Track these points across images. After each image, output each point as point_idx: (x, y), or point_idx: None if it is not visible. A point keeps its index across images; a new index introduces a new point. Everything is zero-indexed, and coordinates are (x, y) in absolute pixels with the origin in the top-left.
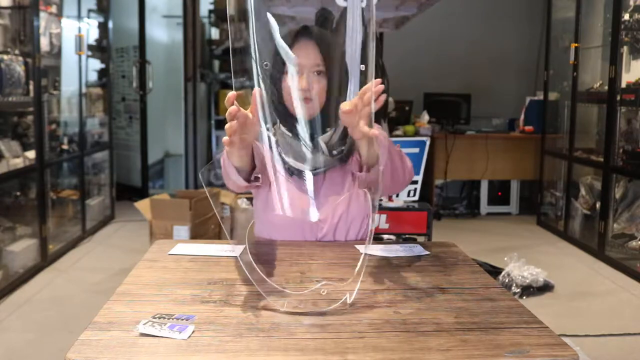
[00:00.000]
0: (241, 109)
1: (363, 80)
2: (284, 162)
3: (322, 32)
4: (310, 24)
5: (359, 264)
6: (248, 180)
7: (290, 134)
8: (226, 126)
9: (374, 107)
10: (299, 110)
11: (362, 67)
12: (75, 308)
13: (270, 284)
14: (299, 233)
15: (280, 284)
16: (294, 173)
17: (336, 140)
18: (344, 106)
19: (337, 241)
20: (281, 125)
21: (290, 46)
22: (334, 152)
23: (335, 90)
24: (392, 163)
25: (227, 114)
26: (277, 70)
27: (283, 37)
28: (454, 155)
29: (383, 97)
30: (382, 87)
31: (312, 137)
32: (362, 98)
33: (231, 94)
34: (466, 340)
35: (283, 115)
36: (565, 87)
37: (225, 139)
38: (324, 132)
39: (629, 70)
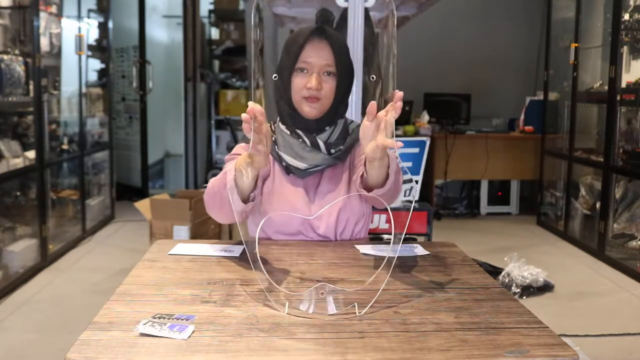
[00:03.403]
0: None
1: (365, 81)
2: (282, 160)
3: (336, 33)
4: (323, 25)
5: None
6: (245, 201)
7: (288, 132)
8: (254, 139)
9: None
10: (306, 109)
11: (373, 77)
12: (75, 308)
13: (275, 286)
14: (297, 230)
15: (285, 287)
16: (291, 171)
17: (334, 139)
18: (373, 109)
19: (338, 240)
20: (280, 123)
21: (303, 44)
22: (332, 150)
23: (343, 92)
24: (395, 186)
25: (255, 129)
26: (286, 68)
27: (297, 35)
28: (454, 155)
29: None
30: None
31: (312, 136)
32: (391, 108)
33: (256, 108)
34: (466, 340)
35: (287, 112)
36: (565, 87)
37: (257, 148)
38: (323, 131)
39: (629, 70)
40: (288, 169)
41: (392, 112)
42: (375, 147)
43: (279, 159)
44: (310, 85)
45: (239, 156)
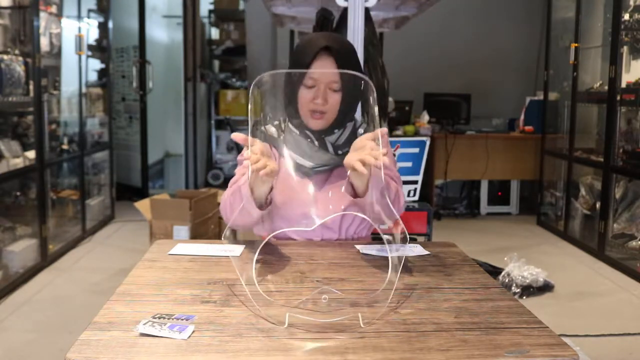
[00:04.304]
0: (257, 143)
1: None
2: (290, 158)
3: (343, 50)
4: (331, 43)
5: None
6: (262, 207)
7: (297, 132)
8: (258, 164)
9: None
10: (311, 123)
11: (362, 132)
12: (75, 308)
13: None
14: (303, 220)
15: (284, 287)
16: (299, 170)
17: (343, 141)
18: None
19: (341, 237)
20: (289, 123)
21: (311, 61)
22: (340, 152)
23: (348, 105)
24: (381, 200)
25: (254, 159)
26: (295, 80)
27: (304, 51)
28: (454, 155)
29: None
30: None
31: (320, 137)
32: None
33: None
34: (466, 340)
35: (295, 119)
36: (565, 87)
37: (266, 170)
38: (332, 133)
39: (629, 70)
40: (296, 167)
41: (374, 160)
42: (349, 160)
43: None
44: (317, 101)
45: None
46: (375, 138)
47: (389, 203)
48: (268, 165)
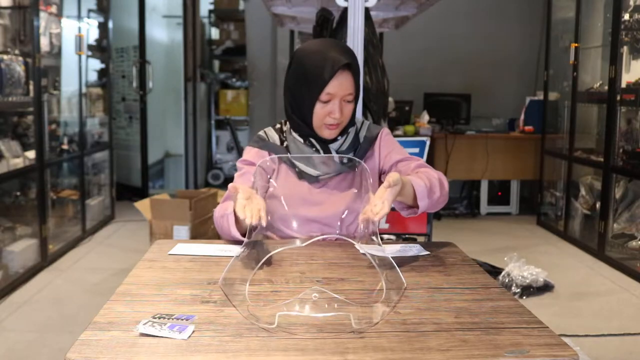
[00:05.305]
0: (243, 192)
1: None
2: (295, 167)
3: (355, 61)
4: (348, 58)
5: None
6: (244, 234)
7: (301, 140)
8: (255, 217)
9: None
10: (326, 133)
11: (355, 191)
12: (75, 308)
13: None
14: (304, 221)
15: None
16: (303, 177)
17: (346, 147)
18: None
19: (340, 239)
20: (292, 131)
21: (331, 77)
22: (344, 160)
23: (356, 108)
24: (430, 199)
25: (247, 215)
26: (308, 98)
27: (324, 69)
28: (454, 155)
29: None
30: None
31: (324, 145)
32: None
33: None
34: (466, 340)
35: (304, 131)
36: (565, 87)
37: (262, 216)
38: (335, 140)
39: (629, 70)
40: (300, 174)
41: (372, 215)
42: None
43: (292, 165)
44: (334, 115)
45: (248, 166)
46: (389, 186)
47: (439, 195)
48: (261, 213)
